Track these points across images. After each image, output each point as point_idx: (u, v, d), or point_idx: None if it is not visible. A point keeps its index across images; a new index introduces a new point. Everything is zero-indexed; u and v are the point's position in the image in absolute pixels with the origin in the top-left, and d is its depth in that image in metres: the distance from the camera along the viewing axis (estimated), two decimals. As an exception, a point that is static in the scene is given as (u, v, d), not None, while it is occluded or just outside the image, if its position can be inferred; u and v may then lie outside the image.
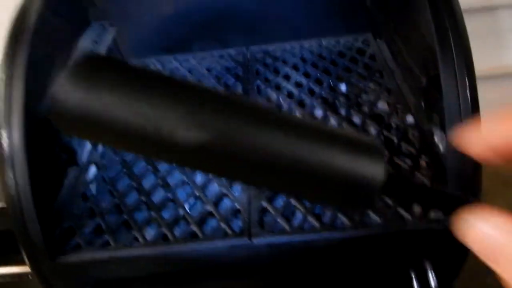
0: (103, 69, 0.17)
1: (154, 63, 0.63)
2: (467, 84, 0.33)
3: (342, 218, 0.38)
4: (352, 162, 0.18)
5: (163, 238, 0.40)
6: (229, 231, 0.39)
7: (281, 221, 0.39)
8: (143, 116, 0.17)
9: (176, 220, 0.41)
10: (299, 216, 0.41)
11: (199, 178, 0.46)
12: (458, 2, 0.36)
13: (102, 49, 0.55)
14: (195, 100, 0.17)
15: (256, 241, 0.38)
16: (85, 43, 0.55)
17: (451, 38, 0.33)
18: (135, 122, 0.17)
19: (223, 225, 0.40)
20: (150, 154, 0.19)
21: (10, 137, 0.36)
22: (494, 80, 0.69)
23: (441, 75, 0.33)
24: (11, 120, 0.36)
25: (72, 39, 0.53)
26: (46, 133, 0.43)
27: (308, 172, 0.17)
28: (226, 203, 0.44)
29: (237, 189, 0.44)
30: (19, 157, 0.37)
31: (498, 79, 0.71)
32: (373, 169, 0.18)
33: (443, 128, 0.41)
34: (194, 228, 0.40)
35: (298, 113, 0.51)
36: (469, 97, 0.33)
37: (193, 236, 0.40)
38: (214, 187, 0.45)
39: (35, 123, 0.40)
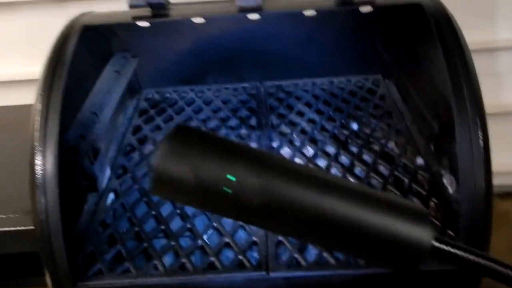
0: (193, 140, 0.21)
1: (170, 93, 0.65)
2: (480, 133, 0.35)
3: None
4: (401, 226, 0.20)
5: (181, 267, 0.42)
6: (246, 264, 0.41)
7: (297, 256, 0.41)
8: (228, 182, 0.19)
9: (194, 250, 0.43)
10: (311, 250, 0.42)
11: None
12: (469, 52, 0.39)
13: (124, 80, 0.57)
14: (267, 167, 0.20)
15: (273, 274, 0.39)
16: (108, 73, 0.57)
17: (464, 88, 0.36)
18: (219, 186, 0.20)
19: (240, 257, 0.41)
20: (223, 212, 0.22)
21: (44, 163, 0.38)
22: (492, 118, 0.73)
23: (456, 125, 0.36)
24: (46, 147, 0.38)
25: (96, 69, 0.55)
26: (71, 160, 0.45)
27: (361, 235, 0.20)
28: (240, 234, 0.45)
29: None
30: (51, 182, 0.38)
31: (496, 117, 0.74)
32: (421, 233, 0.20)
33: (453, 172, 0.43)
34: (213, 258, 0.41)
35: (310, 150, 0.53)
36: (482, 145, 0.35)
37: (210, 267, 0.41)
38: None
39: (64, 151, 0.41)
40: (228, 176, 0.20)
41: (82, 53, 0.49)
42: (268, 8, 0.45)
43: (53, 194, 0.38)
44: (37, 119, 0.38)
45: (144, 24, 0.53)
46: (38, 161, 0.38)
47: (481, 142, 0.35)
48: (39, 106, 0.38)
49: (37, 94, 0.40)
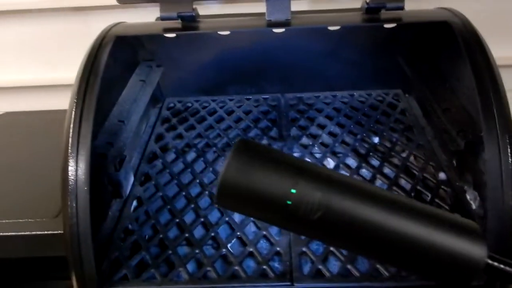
0: (256, 154, 0.22)
1: (192, 103, 0.66)
2: (509, 150, 0.35)
3: (381, 269, 0.40)
4: (456, 243, 0.20)
5: (204, 275, 0.42)
6: (270, 274, 0.41)
7: (321, 267, 0.41)
8: (290, 194, 0.20)
9: (217, 258, 0.43)
10: (334, 261, 0.43)
11: (237, 217, 0.48)
12: (498, 70, 0.40)
13: (149, 89, 0.59)
14: (326, 181, 0.21)
15: (298, 285, 0.40)
16: (134, 82, 0.58)
17: (494, 106, 0.36)
18: (282, 199, 0.21)
19: (264, 267, 0.42)
20: (281, 223, 0.22)
21: (76, 169, 0.39)
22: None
23: (485, 142, 0.36)
24: (79, 154, 0.39)
25: (124, 77, 0.57)
26: (99, 166, 0.46)
27: (416, 250, 0.20)
28: (262, 244, 0.46)
29: (275, 231, 0.46)
30: (82, 188, 0.39)
31: None
32: (475, 251, 0.20)
33: (477, 188, 0.43)
34: (236, 267, 0.42)
35: (331, 162, 0.54)
36: (511, 162, 0.35)
37: (233, 276, 0.42)
38: (251, 227, 0.47)
39: (94, 157, 0.42)
40: (291, 190, 0.21)
41: (112, 62, 0.50)
42: (296, 23, 0.46)
43: (83, 200, 0.39)
44: (71, 126, 0.39)
45: (170, 34, 0.55)
46: (71, 166, 0.39)
47: (510, 160, 0.36)
48: (73, 113, 0.39)
49: (71, 101, 0.41)
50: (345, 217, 0.21)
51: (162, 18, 0.47)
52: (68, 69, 0.81)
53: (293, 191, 0.21)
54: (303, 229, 0.22)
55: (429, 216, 0.21)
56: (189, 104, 0.66)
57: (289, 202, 0.21)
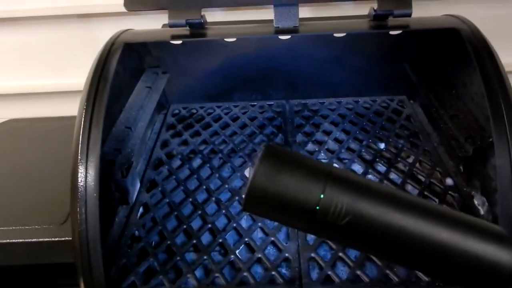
0: (284, 160, 0.23)
1: (197, 109, 0.66)
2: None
3: (390, 274, 0.40)
4: (483, 249, 0.20)
5: (212, 282, 0.42)
6: (279, 280, 0.41)
7: (330, 273, 0.41)
8: (318, 200, 0.20)
9: (225, 264, 0.43)
10: (342, 267, 0.43)
11: (244, 223, 0.48)
12: (507, 77, 0.40)
13: (156, 96, 0.59)
14: (354, 187, 0.21)
15: (307, 291, 0.40)
16: (140, 89, 0.58)
17: (504, 111, 0.37)
18: (310, 204, 0.21)
19: (273, 273, 0.42)
20: (308, 229, 0.23)
21: (85, 175, 0.39)
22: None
23: (495, 147, 0.36)
24: (88, 160, 0.39)
25: (130, 84, 0.57)
26: (107, 172, 0.46)
27: (443, 256, 0.20)
28: (270, 250, 0.45)
29: (283, 237, 0.46)
30: (91, 194, 0.39)
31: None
32: (502, 256, 0.20)
33: (484, 193, 0.44)
34: (245, 274, 0.42)
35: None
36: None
37: (243, 282, 0.41)
38: (259, 233, 0.47)
39: (102, 164, 0.42)
40: (319, 196, 0.21)
41: (120, 69, 0.50)
42: (304, 30, 0.46)
43: (93, 206, 0.39)
44: (80, 132, 0.39)
45: (177, 41, 0.55)
46: (80, 173, 0.39)
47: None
48: (83, 119, 0.39)
49: (81, 107, 0.41)
50: (372, 223, 0.21)
51: (170, 25, 0.47)
52: (72, 76, 0.82)
53: (322, 196, 0.21)
54: (330, 234, 0.22)
55: (457, 222, 0.21)
56: (194, 111, 0.66)
57: (317, 208, 0.21)
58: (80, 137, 0.39)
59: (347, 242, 0.22)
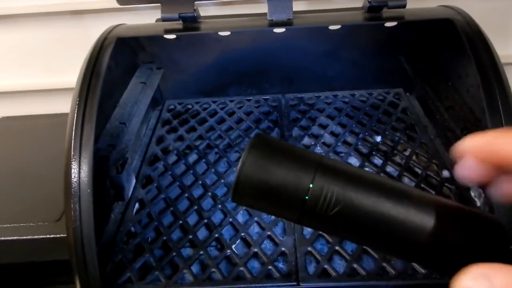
0: (273, 149, 0.22)
1: (192, 105, 0.66)
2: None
3: (387, 267, 0.40)
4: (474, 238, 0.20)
5: (209, 277, 0.42)
6: (276, 274, 0.41)
7: (327, 266, 0.41)
8: (307, 189, 0.21)
9: (221, 259, 0.43)
10: (339, 261, 0.43)
11: (240, 218, 0.48)
12: (503, 67, 0.39)
13: (150, 91, 0.58)
14: (344, 175, 0.21)
15: (304, 285, 0.39)
16: (135, 84, 0.58)
17: (499, 102, 0.36)
18: (299, 194, 0.21)
19: (269, 267, 0.41)
20: (298, 219, 0.22)
21: (79, 172, 0.38)
22: None
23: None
24: (82, 156, 0.39)
25: (124, 80, 0.56)
26: (102, 169, 0.45)
27: (440, 246, 0.20)
28: (267, 245, 0.45)
29: (279, 231, 0.46)
30: (85, 191, 0.39)
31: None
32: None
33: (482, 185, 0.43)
34: (242, 268, 0.42)
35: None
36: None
37: (239, 277, 0.41)
38: (255, 228, 0.47)
39: (96, 160, 0.42)
40: (308, 185, 0.21)
41: (113, 64, 0.50)
42: (298, 23, 0.46)
43: (87, 203, 0.39)
44: (73, 128, 0.39)
45: (170, 36, 0.54)
46: (74, 169, 0.38)
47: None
48: (75, 115, 0.39)
49: (73, 103, 0.40)
50: (364, 212, 0.21)
51: (163, 19, 0.47)
52: (66, 73, 0.81)
53: (311, 185, 0.21)
54: (322, 225, 0.22)
55: (454, 211, 0.21)
56: (190, 106, 0.66)
57: (307, 197, 0.21)
58: (73, 133, 0.39)
59: (339, 233, 0.22)
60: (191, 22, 0.47)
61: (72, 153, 0.39)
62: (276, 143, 0.22)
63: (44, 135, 0.63)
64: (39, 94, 0.84)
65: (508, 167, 0.20)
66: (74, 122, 0.39)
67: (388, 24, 0.53)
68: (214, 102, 0.66)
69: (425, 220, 0.20)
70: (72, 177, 0.38)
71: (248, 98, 0.66)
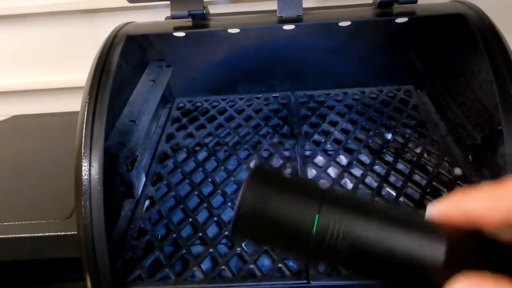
0: (274, 181, 0.21)
1: (202, 103, 0.66)
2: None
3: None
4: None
5: (219, 274, 0.42)
6: (286, 272, 0.41)
7: (337, 265, 0.40)
8: (313, 224, 0.20)
9: (231, 257, 0.43)
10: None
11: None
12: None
13: (160, 89, 0.58)
14: (353, 208, 0.20)
15: (314, 283, 0.39)
16: (144, 82, 0.58)
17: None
18: (305, 228, 0.20)
19: (280, 265, 0.41)
20: (305, 255, 0.21)
21: (89, 169, 0.39)
22: None
23: (504, 134, 0.35)
24: (92, 154, 0.39)
25: (134, 78, 0.56)
26: (112, 166, 0.45)
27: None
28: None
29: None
30: (95, 188, 0.39)
31: None
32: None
33: (494, 183, 0.43)
34: (252, 266, 0.41)
35: (344, 159, 0.53)
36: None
37: (249, 274, 0.41)
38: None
39: (107, 157, 0.42)
40: (315, 217, 0.20)
41: (122, 62, 0.50)
42: (308, 19, 0.46)
43: (97, 200, 0.39)
44: (83, 125, 0.39)
45: (180, 34, 0.54)
46: (84, 167, 0.38)
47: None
48: (86, 113, 0.39)
49: (83, 102, 0.40)
50: (375, 245, 0.20)
51: (173, 17, 0.47)
52: (77, 72, 0.81)
53: (316, 219, 0.20)
54: (329, 259, 0.20)
55: (465, 240, 0.20)
56: (199, 104, 0.66)
57: (311, 235, 0.20)
58: (83, 131, 0.39)
59: (347, 266, 0.21)
60: (200, 19, 0.47)
61: (82, 150, 0.39)
62: (276, 175, 0.21)
63: (55, 133, 0.63)
64: (50, 93, 0.84)
65: (480, 225, 0.20)
66: (85, 119, 0.39)
67: (399, 20, 0.53)
68: (223, 99, 0.66)
69: (437, 252, 0.20)
70: (83, 174, 0.39)
71: (257, 95, 0.66)
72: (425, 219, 0.21)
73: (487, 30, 0.40)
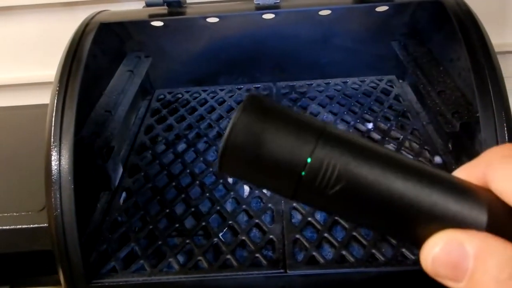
0: (267, 112, 0.19)
1: (182, 94, 0.65)
2: (506, 128, 0.34)
3: (376, 254, 0.39)
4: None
5: (195, 265, 0.41)
6: (263, 262, 0.40)
7: (315, 253, 0.40)
8: (305, 163, 0.18)
9: (208, 248, 0.42)
10: (328, 248, 0.42)
11: (229, 206, 0.47)
12: (494, 49, 0.38)
13: (138, 80, 0.57)
14: (349, 148, 0.19)
15: (291, 272, 0.39)
16: (121, 72, 0.57)
17: (489, 84, 0.35)
18: (296, 167, 0.18)
19: (257, 255, 0.41)
20: (291, 194, 0.20)
21: (59, 159, 0.38)
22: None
23: (481, 121, 0.35)
24: (62, 143, 0.38)
25: (110, 68, 0.55)
26: (86, 157, 0.44)
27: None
28: (255, 233, 0.44)
29: (268, 219, 0.45)
30: (66, 179, 0.38)
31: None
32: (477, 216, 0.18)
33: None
34: (228, 256, 0.41)
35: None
36: (507, 140, 0.34)
37: (226, 265, 0.41)
38: (244, 216, 0.46)
39: (79, 148, 0.41)
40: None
41: (97, 51, 0.49)
42: (285, 6, 0.45)
43: (68, 190, 0.38)
44: (53, 115, 0.38)
45: (158, 23, 0.53)
46: (53, 156, 0.37)
47: (507, 137, 0.35)
48: (55, 102, 0.38)
49: (53, 90, 0.39)
50: (369, 188, 0.18)
51: (147, 4, 0.46)
52: (56, 66, 0.80)
53: (309, 160, 0.18)
54: (318, 202, 0.19)
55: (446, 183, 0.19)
56: (180, 95, 0.65)
57: (303, 173, 0.18)
58: (53, 120, 0.38)
59: (335, 210, 0.19)
60: (176, 7, 0.46)
61: (52, 139, 0.38)
62: (272, 106, 0.19)
63: (29, 126, 0.62)
64: (31, 87, 0.83)
65: None
66: (54, 108, 0.38)
67: (380, 8, 0.52)
68: (204, 91, 0.65)
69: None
70: (52, 164, 0.38)
71: (239, 86, 0.65)
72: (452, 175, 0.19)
73: (464, 16, 0.40)
